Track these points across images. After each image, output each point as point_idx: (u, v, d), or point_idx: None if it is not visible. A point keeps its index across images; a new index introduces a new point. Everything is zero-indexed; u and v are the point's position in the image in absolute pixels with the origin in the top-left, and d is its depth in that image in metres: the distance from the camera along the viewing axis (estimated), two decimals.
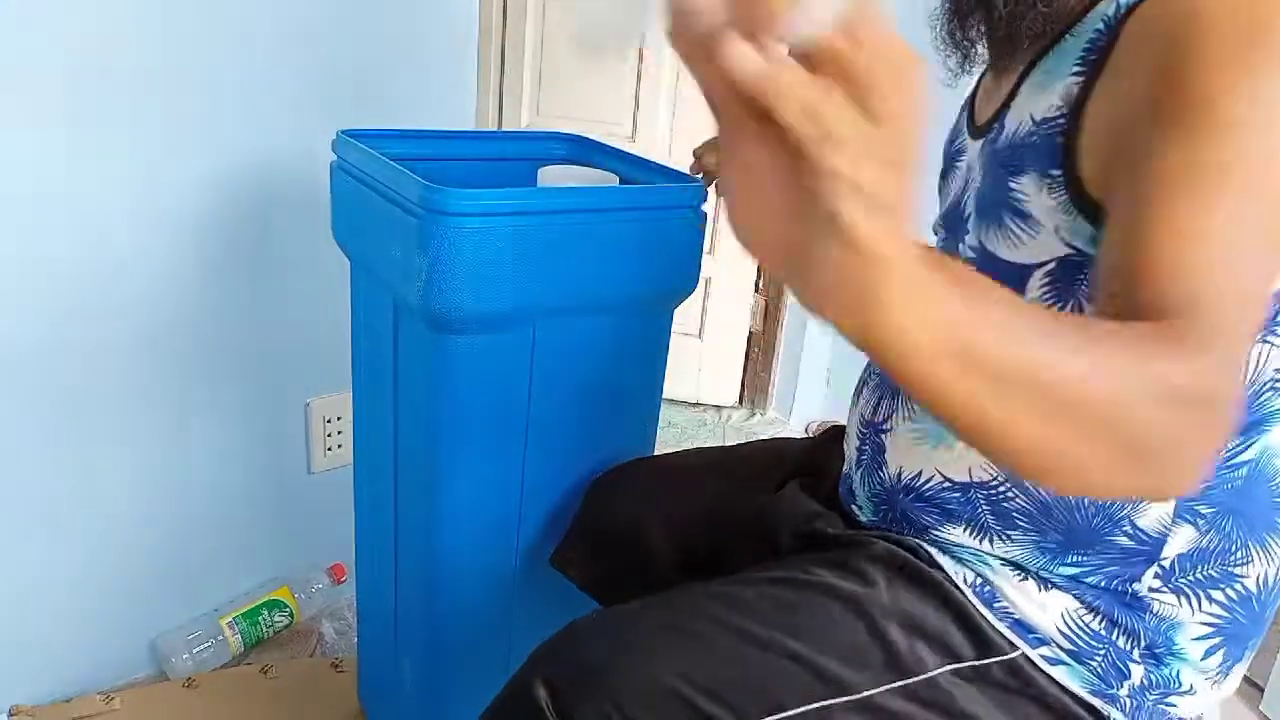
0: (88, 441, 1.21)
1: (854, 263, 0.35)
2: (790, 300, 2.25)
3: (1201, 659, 0.69)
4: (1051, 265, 0.66)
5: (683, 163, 1.11)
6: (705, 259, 1.05)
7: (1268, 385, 0.64)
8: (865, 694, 0.67)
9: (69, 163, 1.09)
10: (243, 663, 1.41)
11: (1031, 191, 0.65)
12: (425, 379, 0.93)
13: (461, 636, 1.05)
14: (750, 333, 2.32)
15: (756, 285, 2.29)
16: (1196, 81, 0.52)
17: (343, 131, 1.01)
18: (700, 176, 1.09)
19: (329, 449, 1.46)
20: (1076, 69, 0.64)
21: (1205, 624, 0.68)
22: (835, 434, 0.98)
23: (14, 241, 1.07)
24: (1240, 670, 0.72)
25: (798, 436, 1.12)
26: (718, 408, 2.38)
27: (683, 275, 1.01)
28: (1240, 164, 0.51)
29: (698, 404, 2.38)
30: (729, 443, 1.15)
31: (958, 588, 0.71)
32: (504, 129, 2.19)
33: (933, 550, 0.74)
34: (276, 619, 1.44)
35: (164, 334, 1.23)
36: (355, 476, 1.19)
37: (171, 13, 1.11)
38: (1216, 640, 0.69)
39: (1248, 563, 0.67)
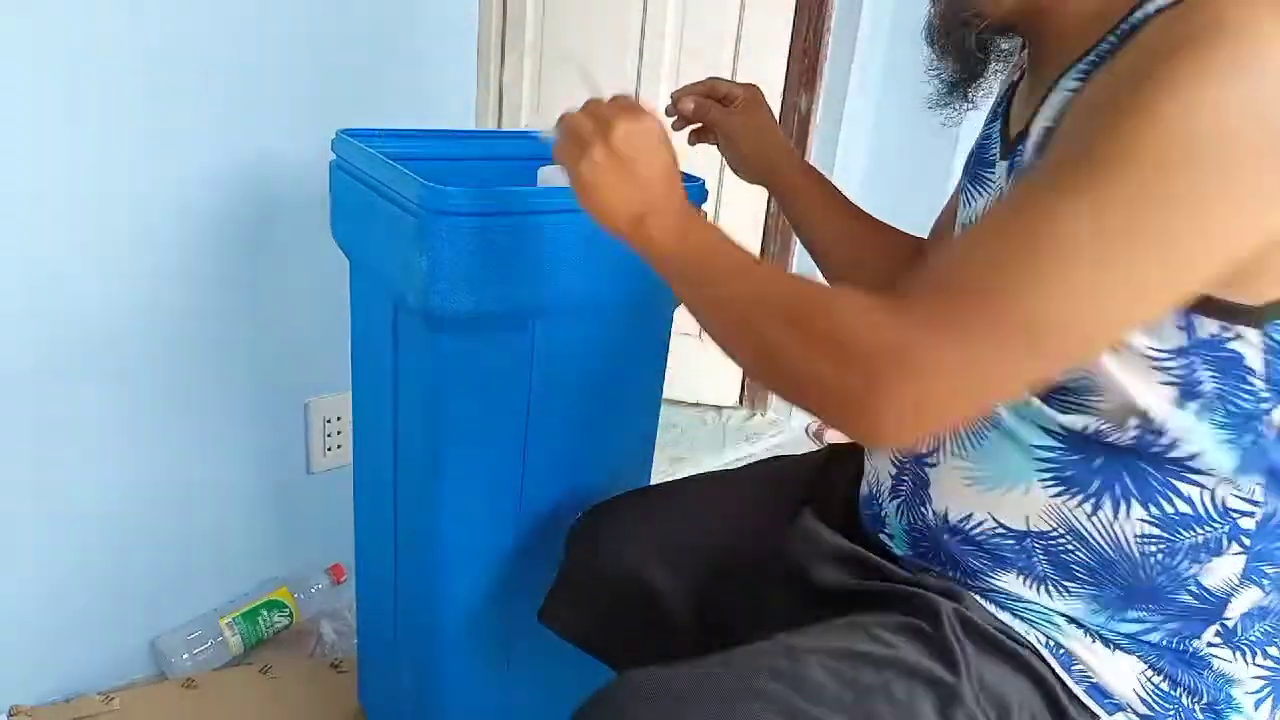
0: (87, 441, 1.21)
1: (584, 189, 0.68)
2: None
3: (1255, 710, 0.68)
4: None
5: (683, 162, 1.10)
6: None
7: None
8: None
9: (68, 163, 1.08)
10: (243, 663, 1.41)
11: None
12: (425, 378, 0.93)
13: (461, 636, 1.05)
14: None
15: None
16: (1124, 99, 0.52)
17: (342, 131, 1.01)
18: (673, 121, 1.04)
19: (329, 449, 1.45)
20: (1079, 77, 0.61)
21: (1258, 678, 0.67)
22: (833, 455, 0.94)
23: (14, 241, 1.07)
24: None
25: (790, 455, 1.06)
26: (718, 408, 2.38)
27: None
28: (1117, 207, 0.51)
29: (698, 404, 2.37)
30: (729, 444, 1.14)
31: (1040, 657, 0.67)
32: (504, 129, 2.19)
33: (990, 606, 0.69)
34: (276, 619, 1.43)
35: (163, 333, 1.23)
36: (355, 476, 1.19)
37: (171, 13, 1.11)
38: (1267, 691, 0.68)
39: None
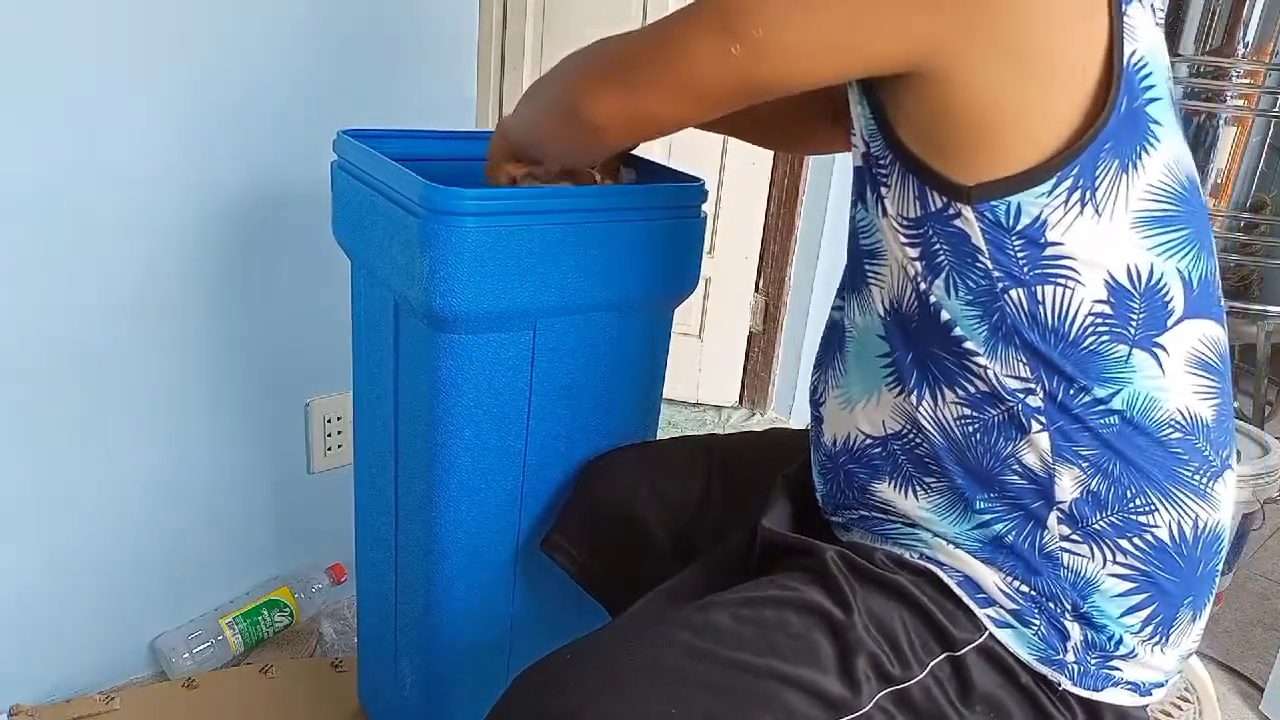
0: (88, 441, 1.21)
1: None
2: (790, 300, 2.25)
3: (1121, 616, 0.68)
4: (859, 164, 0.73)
5: (683, 163, 1.11)
6: (705, 259, 1.05)
7: (1088, 329, 0.64)
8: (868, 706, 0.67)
9: (69, 162, 1.09)
10: (243, 663, 1.41)
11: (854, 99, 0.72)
12: (426, 378, 0.93)
13: (461, 636, 1.05)
14: (750, 333, 2.32)
15: (756, 285, 2.29)
16: None
17: (343, 131, 1.01)
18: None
19: (329, 449, 1.46)
20: None
21: (1119, 576, 0.68)
22: None
23: (13, 239, 1.07)
24: (1186, 632, 0.71)
25: (792, 428, 1.12)
26: (718, 408, 2.38)
27: (683, 276, 1.01)
28: None
29: (698, 404, 2.38)
30: None
31: (914, 579, 0.72)
32: None
33: (872, 539, 0.77)
34: (276, 619, 1.44)
35: (164, 333, 1.23)
36: (355, 476, 1.19)
37: (173, 13, 1.11)
38: (1139, 598, 0.68)
39: (1150, 511, 0.67)
